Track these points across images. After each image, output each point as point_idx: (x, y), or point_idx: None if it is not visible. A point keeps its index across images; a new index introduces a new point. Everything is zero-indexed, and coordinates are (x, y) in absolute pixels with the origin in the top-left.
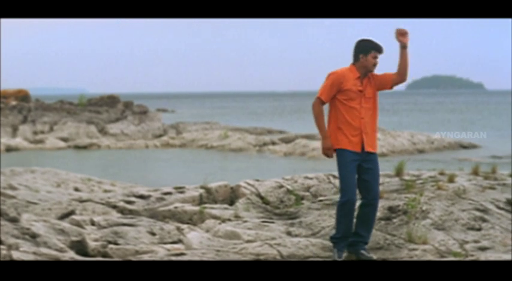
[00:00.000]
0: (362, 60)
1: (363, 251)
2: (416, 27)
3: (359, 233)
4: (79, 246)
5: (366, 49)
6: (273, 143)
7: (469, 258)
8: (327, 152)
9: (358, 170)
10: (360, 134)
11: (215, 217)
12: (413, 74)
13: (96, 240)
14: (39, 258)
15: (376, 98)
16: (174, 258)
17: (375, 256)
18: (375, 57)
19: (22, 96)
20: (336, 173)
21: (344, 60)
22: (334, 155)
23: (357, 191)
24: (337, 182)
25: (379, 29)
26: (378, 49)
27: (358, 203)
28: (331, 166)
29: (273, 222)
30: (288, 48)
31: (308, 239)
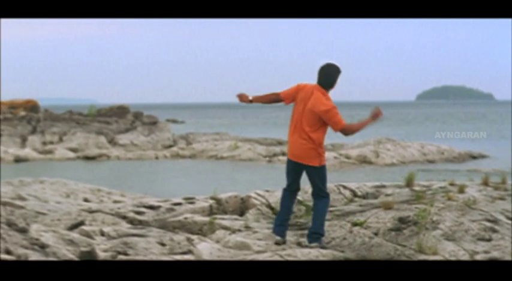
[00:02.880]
0: (328, 89)
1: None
2: (427, 37)
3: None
4: (88, 257)
5: (335, 82)
6: (283, 154)
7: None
8: (377, 114)
9: None
10: None
11: (225, 228)
12: (423, 84)
13: (105, 251)
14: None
15: None
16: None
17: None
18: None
19: (31, 106)
20: (346, 184)
21: (367, 65)
22: None
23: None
24: (347, 192)
25: (385, 30)
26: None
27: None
28: (341, 176)
29: None
30: (297, 54)
31: (319, 250)
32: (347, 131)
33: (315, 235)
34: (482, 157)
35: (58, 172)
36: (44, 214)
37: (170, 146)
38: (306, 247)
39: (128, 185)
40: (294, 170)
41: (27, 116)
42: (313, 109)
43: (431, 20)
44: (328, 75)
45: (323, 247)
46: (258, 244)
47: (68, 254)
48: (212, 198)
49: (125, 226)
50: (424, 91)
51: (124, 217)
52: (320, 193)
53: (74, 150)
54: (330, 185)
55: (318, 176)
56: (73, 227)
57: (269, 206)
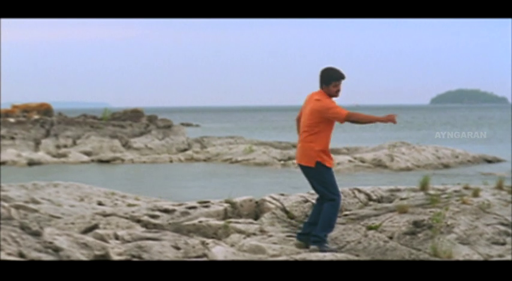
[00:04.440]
0: (325, 89)
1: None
2: (441, 40)
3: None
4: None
5: (327, 81)
6: None
7: None
8: (392, 119)
9: None
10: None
11: (240, 232)
12: (437, 88)
13: (120, 254)
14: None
15: None
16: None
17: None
18: (336, 86)
19: (45, 110)
20: (361, 188)
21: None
22: None
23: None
24: (362, 196)
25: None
26: (338, 78)
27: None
28: (356, 180)
29: None
30: (311, 56)
31: (334, 254)
32: (352, 117)
33: (314, 238)
34: (497, 160)
35: (72, 176)
36: (57, 217)
37: (185, 150)
38: (321, 251)
39: (142, 188)
40: (303, 174)
41: (41, 120)
42: (315, 107)
43: (445, 22)
44: (323, 75)
45: (322, 250)
46: (273, 247)
47: (82, 257)
48: (227, 202)
49: (139, 230)
50: (439, 95)
51: (138, 221)
52: (324, 197)
53: (88, 153)
54: (345, 189)
55: (314, 177)
56: (87, 230)
57: (284, 209)
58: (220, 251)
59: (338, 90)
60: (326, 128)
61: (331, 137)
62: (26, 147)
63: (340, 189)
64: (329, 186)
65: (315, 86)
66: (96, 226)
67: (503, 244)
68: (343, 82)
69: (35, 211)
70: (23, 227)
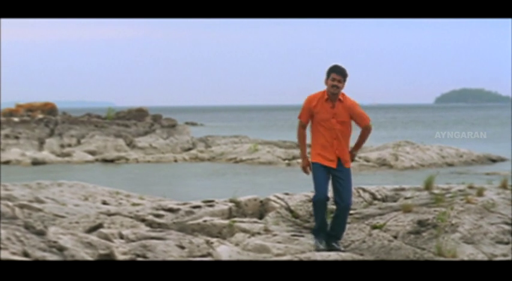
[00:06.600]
0: (325, 83)
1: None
2: (445, 40)
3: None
4: (107, 260)
5: (327, 74)
6: None
7: None
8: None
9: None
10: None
11: (244, 231)
12: (442, 87)
13: (124, 253)
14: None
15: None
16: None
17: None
18: (333, 80)
19: (49, 109)
20: (365, 187)
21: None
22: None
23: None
24: (366, 195)
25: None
26: (328, 73)
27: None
28: (360, 179)
29: (302, 236)
30: (316, 56)
31: (338, 253)
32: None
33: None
34: (501, 160)
35: (76, 175)
36: (62, 216)
37: (189, 149)
38: (324, 250)
39: (146, 188)
40: None
41: (45, 119)
42: None
43: (449, 22)
44: None
45: (316, 250)
46: (277, 247)
47: (86, 257)
48: (231, 201)
49: (143, 229)
50: (443, 94)
51: (143, 220)
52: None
53: (92, 153)
54: None
55: None
56: (91, 230)
57: (288, 209)
58: (224, 251)
59: (332, 86)
60: (314, 125)
61: (328, 136)
62: (30, 146)
63: None
64: (314, 183)
65: (320, 85)
66: (100, 225)
67: (507, 243)
68: (356, 82)
69: (39, 210)
70: (27, 227)
